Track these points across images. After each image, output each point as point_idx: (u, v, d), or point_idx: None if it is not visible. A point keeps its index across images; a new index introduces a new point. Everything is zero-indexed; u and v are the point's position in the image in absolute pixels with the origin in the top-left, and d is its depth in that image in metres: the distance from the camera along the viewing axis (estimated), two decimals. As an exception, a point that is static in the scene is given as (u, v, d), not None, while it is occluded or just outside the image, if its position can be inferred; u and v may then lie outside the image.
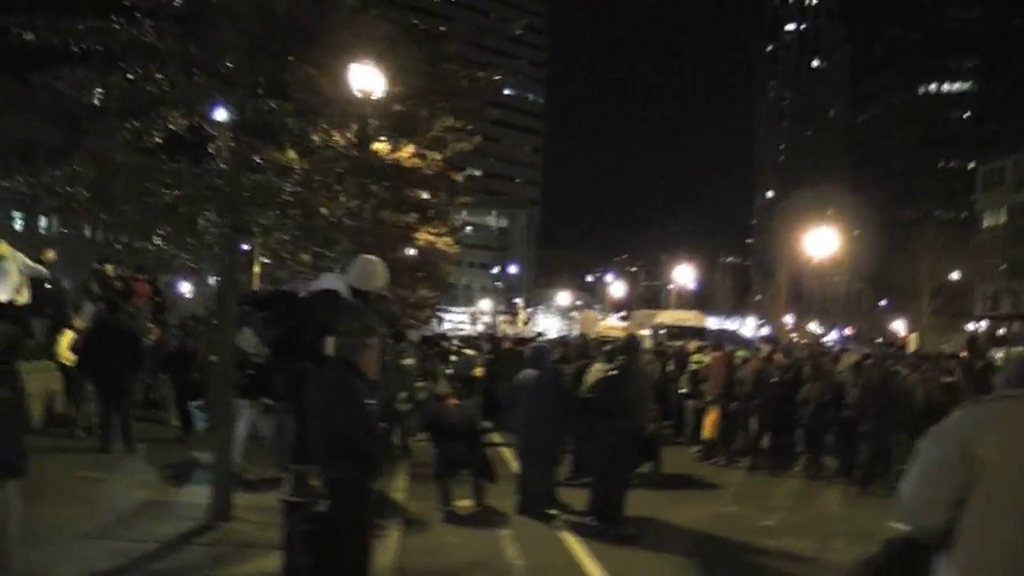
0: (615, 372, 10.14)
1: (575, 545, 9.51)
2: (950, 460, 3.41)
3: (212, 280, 33.44)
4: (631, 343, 10.73)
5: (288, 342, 6.11)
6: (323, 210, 8.93)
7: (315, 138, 9.08)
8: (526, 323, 38.02)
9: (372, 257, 7.28)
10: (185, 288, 51.72)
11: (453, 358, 18.50)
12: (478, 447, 11.15)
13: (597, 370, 10.50)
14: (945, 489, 3.41)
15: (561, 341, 21.97)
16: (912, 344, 29.91)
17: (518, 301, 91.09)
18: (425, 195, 13.32)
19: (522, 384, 11.19)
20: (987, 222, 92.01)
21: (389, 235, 11.41)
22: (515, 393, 11.42)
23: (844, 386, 14.31)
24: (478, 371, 16.61)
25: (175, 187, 8.55)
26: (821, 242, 39.95)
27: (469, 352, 18.18)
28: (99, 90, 8.97)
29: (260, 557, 7.76)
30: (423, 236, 12.31)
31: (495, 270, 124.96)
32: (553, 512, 10.73)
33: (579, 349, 15.45)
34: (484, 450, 11.37)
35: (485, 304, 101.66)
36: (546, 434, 10.75)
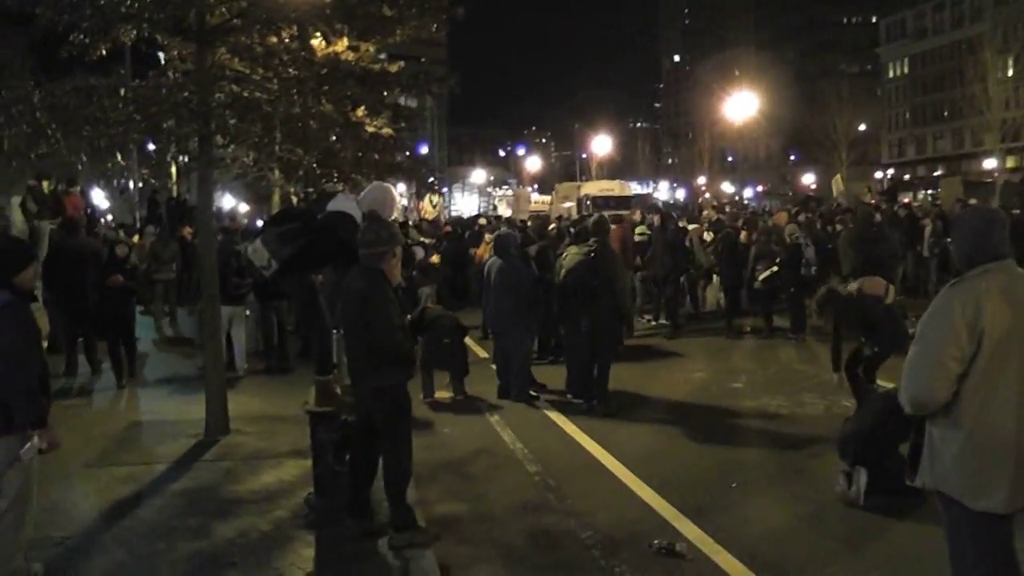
0: (592, 254, 10.29)
1: (566, 424, 9.77)
2: (957, 337, 3.74)
3: (132, 187, 32.31)
4: (601, 224, 10.86)
5: (303, 258, 6.12)
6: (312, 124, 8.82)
7: (275, 40, 8.76)
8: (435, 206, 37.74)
9: (386, 184, 7.22)
10: (98, 196, 49.53)
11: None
12: (461, 343, 11.33)
13: (573, 253, 10.60)
14: (956, 364, 3.75)
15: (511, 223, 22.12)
16: (836, 188, 30.86)
17: (433, 179, 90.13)
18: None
19: (489, 272, 11.35)
20: (890, 73, 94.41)
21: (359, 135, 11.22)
22: (482, 281, 11.59)
23: (800, 247, 14.78)
24: (435, 259, 16.66)
25: (142, 105, 8.19)
26: (740, 105, 40.28)
27: (426, 241, 18.20)
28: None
29: (272, 468, 7.82)
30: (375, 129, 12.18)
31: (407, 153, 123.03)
32: (533, 393, 11.03)
33: (537, 231, 15.56)
34: (465, 348, 11.54)
35: (401, 186, 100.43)
36: (518, 319, 10.99)
